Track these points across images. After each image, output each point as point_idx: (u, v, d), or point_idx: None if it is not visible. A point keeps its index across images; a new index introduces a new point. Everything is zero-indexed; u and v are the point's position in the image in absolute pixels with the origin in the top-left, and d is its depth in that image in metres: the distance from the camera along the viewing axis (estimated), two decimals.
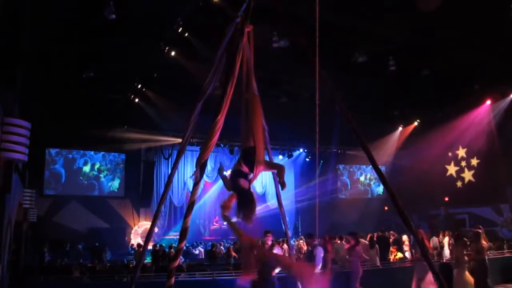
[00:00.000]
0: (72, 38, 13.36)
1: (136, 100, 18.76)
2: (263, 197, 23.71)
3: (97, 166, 21.50)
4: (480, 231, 10.28)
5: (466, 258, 9.81)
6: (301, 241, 17.25)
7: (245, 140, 4.90)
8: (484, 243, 10.19)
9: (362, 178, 27.56)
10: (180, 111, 14.91)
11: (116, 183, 21.79)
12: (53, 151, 20.58)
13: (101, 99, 17.28)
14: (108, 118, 18.34)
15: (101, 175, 21.54)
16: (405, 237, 15.51)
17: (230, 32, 5.03)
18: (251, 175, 4.73)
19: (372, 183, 27.43)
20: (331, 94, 4.79)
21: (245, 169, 4.67)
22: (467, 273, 9.58)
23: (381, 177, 4.69)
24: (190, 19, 13.09)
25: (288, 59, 13.73)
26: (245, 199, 4.56)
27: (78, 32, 13.08)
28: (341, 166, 26.97)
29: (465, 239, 10.52)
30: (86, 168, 21.28)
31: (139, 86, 17.82)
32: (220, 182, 24.33)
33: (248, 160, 4.68)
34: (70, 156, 20.98)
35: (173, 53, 14.77)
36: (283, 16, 5.45)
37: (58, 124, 16.59)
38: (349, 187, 27.17)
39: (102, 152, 21.57)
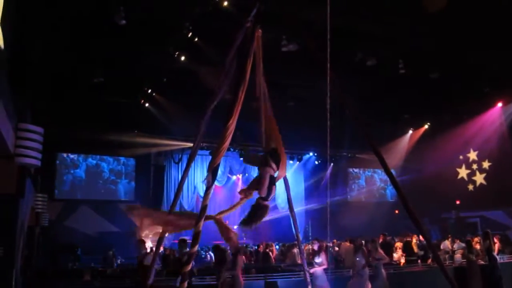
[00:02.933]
0: (82, 44, 13.47)
1: (146, 104, 18.87)
2: (273, 200, 23.48)
3: (107, 170, 21.60)
4: (376, 239, 10.06)
5: (366, 267, 9.47)
6: (310, 245, 17.10)
7: (266, 143, 5.20)
8: (381, 252, 9.89)
9: (372, 182, 27.42)
10: (190, 116, 14.94)
11: (126, 187, 21.88)
12: (63, 156, 20.73)
13: (111, 104, 17.36)
14: (118, 123, 18.40)
15: (112, 180, 21.63)
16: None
17: (240, 37, 5.05)
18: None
19: (384, 186, 27.23)
20: (341, 97, 4.79)
21: (274, 168, 4.89)
22: (366, 284, 9.19)
23: (392, 181, 4.66)
24: (200, 24, 13.14)
25: (298, 62, 13.71)
26: (261, 208, 4.71)
27: (88, 38, 13.19)
28: (351, 170, 26.89)
29: (364, 248, 10.16)
30: (97, 173, 21.39)
31: (149, 90, 17.93)
32: (229, 185, 24.38)
33: (277, 160, 4.96)
34: (80, 160, 21.11)
35: (182, 58, 14.83)
36: (292, 20, 5.46)
37: (68, 129, 16.66)
38: (359, 190, 27.05)
39: (112, 157, 21.67)
